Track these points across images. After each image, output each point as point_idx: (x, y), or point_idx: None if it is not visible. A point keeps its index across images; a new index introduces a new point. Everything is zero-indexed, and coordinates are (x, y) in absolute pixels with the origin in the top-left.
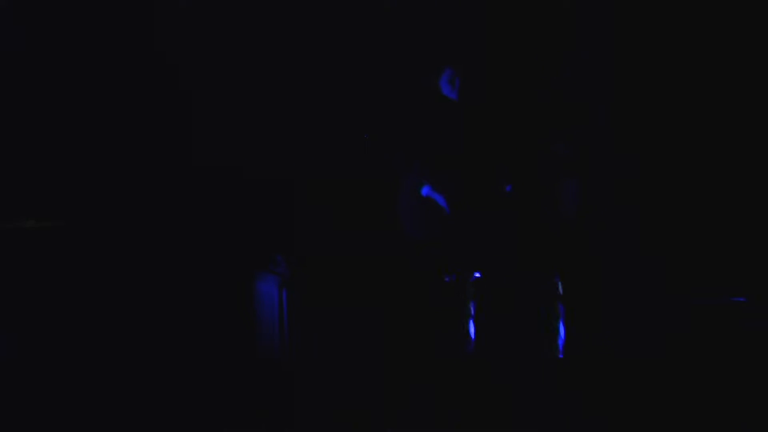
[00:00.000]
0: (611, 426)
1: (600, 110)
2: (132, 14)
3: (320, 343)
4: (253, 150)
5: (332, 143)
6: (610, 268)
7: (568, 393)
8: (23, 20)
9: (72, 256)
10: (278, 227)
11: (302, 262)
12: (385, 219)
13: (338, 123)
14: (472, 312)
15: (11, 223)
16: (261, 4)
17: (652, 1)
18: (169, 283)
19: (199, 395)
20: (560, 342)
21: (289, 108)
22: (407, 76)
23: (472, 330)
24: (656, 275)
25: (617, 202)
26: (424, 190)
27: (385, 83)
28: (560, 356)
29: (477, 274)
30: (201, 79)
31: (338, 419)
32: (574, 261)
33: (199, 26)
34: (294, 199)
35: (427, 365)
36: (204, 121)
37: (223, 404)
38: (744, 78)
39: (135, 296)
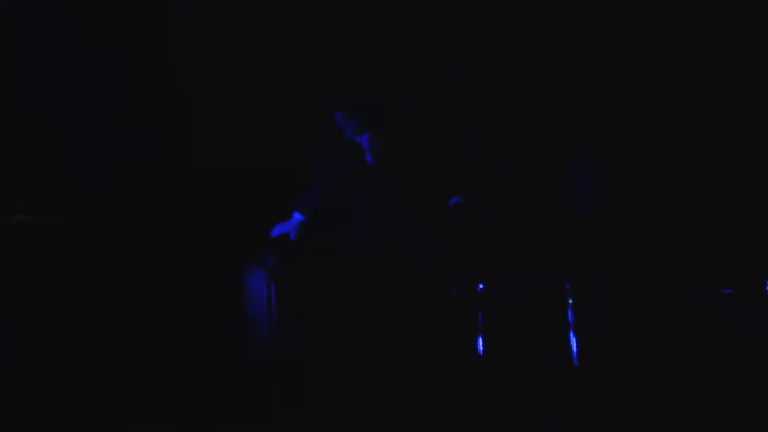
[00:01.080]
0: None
1: (598, 110)
2: (132, 14)
3: (310, 340)
4: (245, 144)
5: (327, 139)
6: (610, 267)
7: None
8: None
9: (57, 251)
10: (268, 221)
11: (292, 257)
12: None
13: (334, 119)
14: (481, 322)
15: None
16: (262, 5)
17: (652, 2)
18: (156, 277)
19: (186, 392)
20: (574, 350)
21: (282, 104)
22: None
23: (481, 341)
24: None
25: (616, 203)
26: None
27: (384, 83)
28: (575, 364)
29: (481, 285)
30: (198, 77)
31: (330, 417)
32: (582, 265)
33: (199, 27)
34: (285, 193)
35: (423, 364)
36: (198, 117)
37: (212, 401)
38: (739, 78)
39: (121, 291)
